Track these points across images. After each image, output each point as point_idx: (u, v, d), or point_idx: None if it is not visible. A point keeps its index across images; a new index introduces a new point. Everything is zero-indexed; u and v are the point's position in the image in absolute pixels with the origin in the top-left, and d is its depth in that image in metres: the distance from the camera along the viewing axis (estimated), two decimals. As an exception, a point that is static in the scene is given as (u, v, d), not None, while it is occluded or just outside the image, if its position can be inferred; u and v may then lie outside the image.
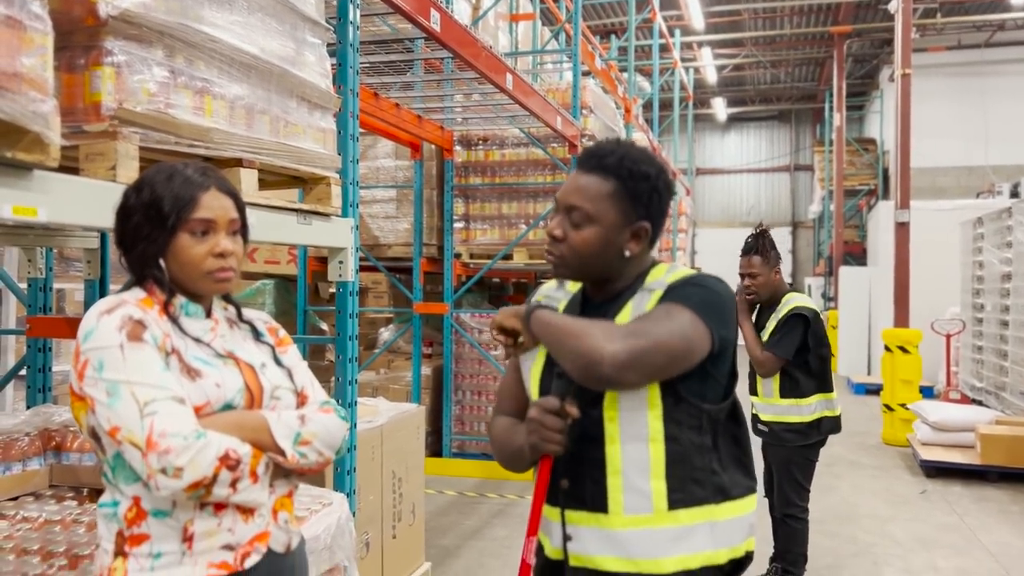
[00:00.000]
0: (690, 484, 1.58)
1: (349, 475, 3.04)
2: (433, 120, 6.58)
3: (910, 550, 4.93)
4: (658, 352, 1.47)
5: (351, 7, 3.04)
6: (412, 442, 4.12)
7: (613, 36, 14.46)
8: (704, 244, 23.79)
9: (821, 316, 3.87)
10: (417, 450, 4.20)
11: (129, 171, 1.93)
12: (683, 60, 17.43)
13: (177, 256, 1.53)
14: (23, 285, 3.59)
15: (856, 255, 18.65)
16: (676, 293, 1.56)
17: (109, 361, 1.41)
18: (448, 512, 5.67)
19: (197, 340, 1.54)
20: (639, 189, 1.61)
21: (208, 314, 1.60)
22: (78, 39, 1.95)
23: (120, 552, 1.48)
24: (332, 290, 8.72)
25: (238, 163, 2.37)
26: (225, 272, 1.55)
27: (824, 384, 3.88)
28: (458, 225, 7.05)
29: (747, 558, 1.67)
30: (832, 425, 3.93)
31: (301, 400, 1.65)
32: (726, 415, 1.64)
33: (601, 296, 1.69)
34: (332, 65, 3.02)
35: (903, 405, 8.02)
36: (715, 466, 1.60)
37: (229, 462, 1.43)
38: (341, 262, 3.02)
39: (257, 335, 1.67)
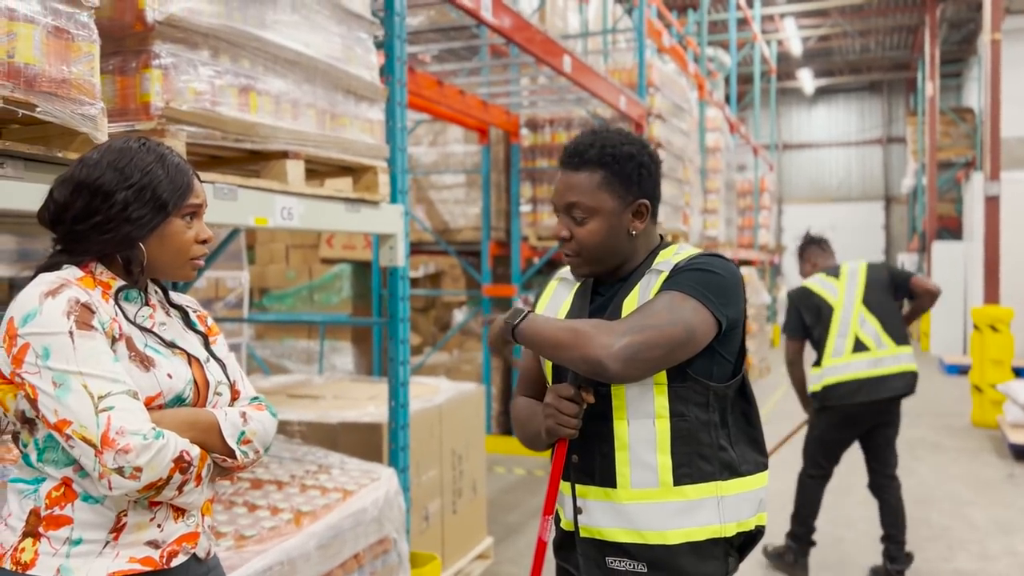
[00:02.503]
0: (697, 460, 1.61)
1: (403, 451, 3.16)
2: (499, 104, 6.65)
3: (988, 534, 4.77)
4: (657, 346, 1.50)
5: (397, -1, 3.13)
6: (472, 421, 4.23)
7: (691, 11, 14.20)
8: (792, 221, 23.17)
9: (813, 291, 4.07)
10: (477, 428, 4.31)
11: (177, 166, 2.07)
12: (764, 32, 16.96)
13: (167, 241, 1.47)
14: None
15: (953, 230, 17.85)
16: (678, 279, 1.59)
17: (57, 349, 1.32)
18: (516, 490, 5.78)
19: (142, 327, 1.47)
20: (626, 170, 1.65)
21: (147, 301, 1.52)
22: (130, 44, 2.10)
23: (32, 533, 1.38)
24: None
25: (284, 155, 2.50)
26: (202, 259, 1.55)
27: (823, 353, 4.02)
28: (525, 208, 7.12)
29: (758, 532, 1.70)
30: (845, 391, 3.93)
31: (233, 395, 1.59)
32: (736, 392, 1.67)
33: (613, 277, 1.73)
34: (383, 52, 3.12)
35: (993, 386, 7.70)
36: (723, 442, 1.63)
37: (183, 464, 1.37)
38: (391, 247, 3.13)
39: (188, 322, 1.60)
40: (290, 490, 2.61)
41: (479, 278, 7.10)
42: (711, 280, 1.58)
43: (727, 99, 13.19)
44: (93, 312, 1.37)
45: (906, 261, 18.46)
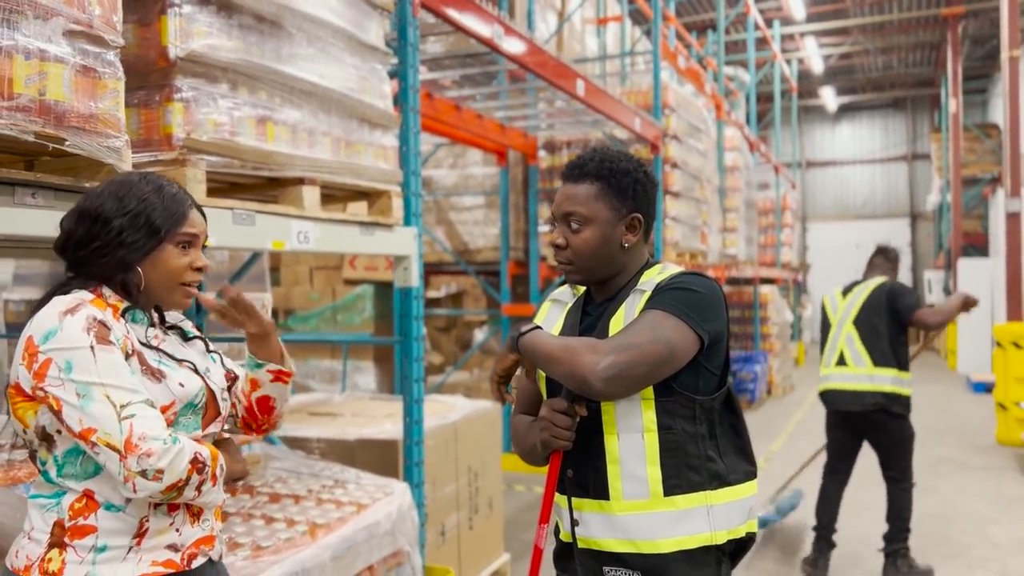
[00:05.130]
0: (686, 471, 1.68)
1: (417, 467, 3.24)
2: (516, 127, 6.77)
3: (1009, 553, 4.74)
4: (640, 364, 1.58)
5: (410, 30, 3.25)
6: (487, 438, 4.30)
7: (710, 31, 14.29)
8: (816, 239, 23.07)
9: (823, 304, 4.60)
10: (493, 446, 4.38)
11: (197, 193, 2.18)
12: (785, 51, 17.00)
13: (159, 266, 1.57)
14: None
15: (980, 247, 17.71)
16: (660, 298, 1.67)
17: (79, 362, 1.41)
18: (535, 508, 5.83)
19: (148, 345, 1.57)
20: (622, 184, 1.75)
21: (151, 323, 1.62)
22: (153, 79, 2.23)
23: (57, 543, 1.46)
24: (428, 294, 9.05)
25: (300, 182, 2.61)
26: (195, 288, 1.64)
27: (821, 361, 4.52)
28: (543, 228, 7.21)
29: (749, 539, 1.76)
30: (827, 399, 4.40)
31: (230, 379, 1.73)
32: (723, 405, 1.74)
33: (602, 295, 1.82)
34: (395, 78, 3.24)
35: (1017, 403, 7.63)
36: (711, 453, 1.70)
37: (198, 465, 1.47)
38: (406, 268, 3.23)
39: (185, 336, 1.70)
40: (306, 504, 2.70)
41: (498, 297, 7.20)
42: (691, 298, 1.65)
43: (748, 118, 13.22)
44: (110, 329, 1.47)
45: (932, 278, 18.28)
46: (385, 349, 7.50)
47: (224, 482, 1.58)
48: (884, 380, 4.16)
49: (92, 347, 1.43)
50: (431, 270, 8.04)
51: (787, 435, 8.39)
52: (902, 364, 4.19)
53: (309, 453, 3.56)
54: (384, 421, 3.89)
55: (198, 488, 1.48)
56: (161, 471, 1.41)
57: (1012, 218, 7.89)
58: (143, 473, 1.40)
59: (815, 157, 23.46)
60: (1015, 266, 7.89)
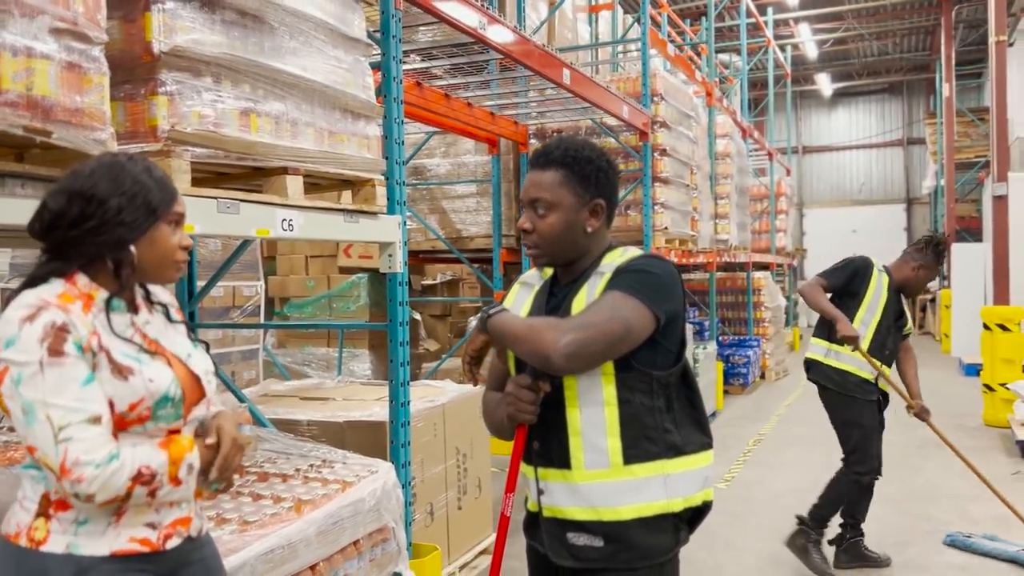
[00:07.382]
0: (643, 442, 1.78)
1: (404, 448, 3.34)
2: (507, 116, 6.83)
3: (986, 529, 4.85)
4: (598, 342, 1.68)
5: (393, 22, 3.32)
6: (476, 421, 4.39)
7: (703, 18, 14.32)
8: (813, 225, 23.14)
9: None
10: (482, 428, 4.47)
11: (182, 183, 2.27)
12: (778, 38, 17.02)
13: (156, 244, 1.61)
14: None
15: (974, 231, 17.78)
16: (620, 280, 1.77)
17: (27, 378, 1.44)
18: (525, 489, 5.92)
19: (122, 337, 1.57)
20: (586, 171, 1.84)
21: (130, 307, 1.64)
22: (139, 73, 2.31)
23: (43, 513, 1.54)
24: (424, 282, 9.14)
25: (284, 171, 2.69)
26: (185, 263, 1.70)
27: None
28: (535, 216, 7.27)
29: (706, 507, 1.86)
30: None
31: None
32: (679, 380, 1.84)
33: (567, 277, 1.92)
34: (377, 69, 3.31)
35: (1003, 385, 7.74)
36: (668, 425, 1.80)
37: (143, 479, 1.50)
38: (390, 255, 3.32)
39: (168, 316, 1.74)
40: (293, 482, 2.80)
41: (491, 285, 7.29)
42: (648, 280, 1.75)
43: (741, 104, 13.27)
44: (68, 333, 1.48)
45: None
46: (380, 336, 7.58)
47: (203, 472, 1.62)
48: (812, 348, 4.45)
49: (42, 362, 1.44)
50: (426, 258, 8.12)
51: (778, 418, 8.50)
52: (828, 334, 4.37)
53: (300, 435, 3.65)
54: (374, 404, 3.99)
55: (150, 495, 1.53)
56: (92, 495, 1.46)
57: (998, 201, 7.98)
58: (76, 495, 1.46)
59: (811, 142, 23.51)
60: (1002, 249, 7.99)
